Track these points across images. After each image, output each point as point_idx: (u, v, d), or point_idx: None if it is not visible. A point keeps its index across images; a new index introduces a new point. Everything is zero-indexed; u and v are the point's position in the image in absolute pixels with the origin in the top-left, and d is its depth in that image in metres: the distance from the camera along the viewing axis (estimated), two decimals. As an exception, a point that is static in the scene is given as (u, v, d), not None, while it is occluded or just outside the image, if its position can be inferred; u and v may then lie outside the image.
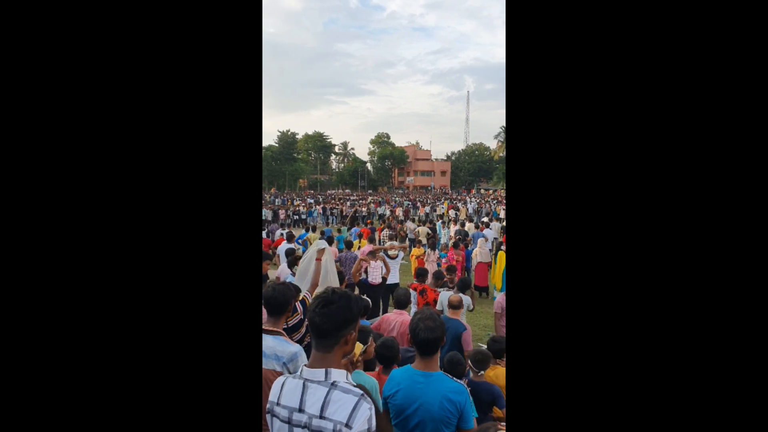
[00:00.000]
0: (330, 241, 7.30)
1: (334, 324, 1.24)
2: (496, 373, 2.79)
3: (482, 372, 2.67)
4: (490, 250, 8.69)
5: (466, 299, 4.24)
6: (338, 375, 1.23)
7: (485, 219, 14.11)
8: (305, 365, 1.27)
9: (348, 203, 22.58)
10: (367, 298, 3.75)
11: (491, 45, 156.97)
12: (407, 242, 9.82)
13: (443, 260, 7.11)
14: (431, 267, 6.55)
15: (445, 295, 4.23)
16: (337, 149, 62.47)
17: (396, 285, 5.87)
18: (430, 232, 10.45)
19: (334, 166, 63.67)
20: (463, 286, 4.57)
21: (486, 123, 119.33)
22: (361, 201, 25.53)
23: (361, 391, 1.21)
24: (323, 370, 1.23)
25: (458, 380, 1.85)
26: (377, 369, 2.40)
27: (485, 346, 3.21)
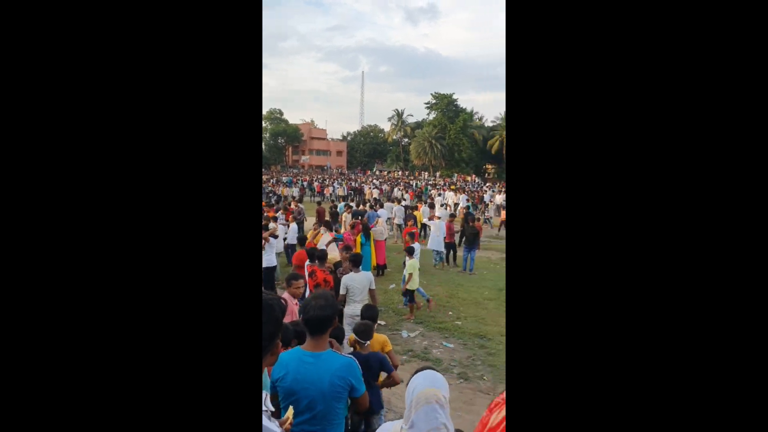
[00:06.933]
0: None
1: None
2: (376, 338, 2.97)
3: (368, 342, 2.77)
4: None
5: (367, 275, 4.38)
6: None
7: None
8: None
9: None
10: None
11: (387, 27, 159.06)
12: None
13: (340, 242, 7.14)
14: (331, 248, 6.55)
15: (347, 277, 4.35)
16: (225, 126, 57.91)
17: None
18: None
19: (222, 145, 58.97)
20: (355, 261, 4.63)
21: (380, 105, 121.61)
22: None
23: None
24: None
25: (347, 355, 1.90)
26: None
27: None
